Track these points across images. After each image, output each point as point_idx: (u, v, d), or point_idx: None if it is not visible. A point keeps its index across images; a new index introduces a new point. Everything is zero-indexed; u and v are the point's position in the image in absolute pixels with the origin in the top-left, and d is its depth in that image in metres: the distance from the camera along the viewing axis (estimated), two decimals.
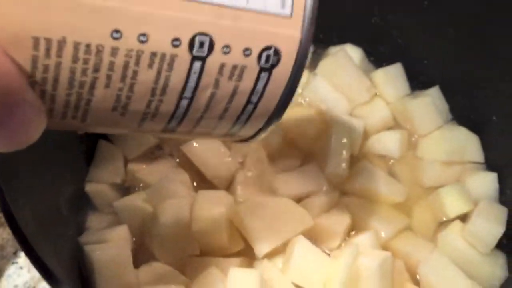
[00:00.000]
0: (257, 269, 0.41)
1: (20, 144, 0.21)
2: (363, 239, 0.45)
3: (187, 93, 0.23)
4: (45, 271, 0.30)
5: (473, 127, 0.52)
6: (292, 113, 0.52)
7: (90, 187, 0.48)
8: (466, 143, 0.51)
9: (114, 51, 0.20)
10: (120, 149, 0.50)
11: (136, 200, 0.46)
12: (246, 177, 0.48)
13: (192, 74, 0.22)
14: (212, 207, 0.44)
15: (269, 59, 0.23)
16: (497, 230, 0.45)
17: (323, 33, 0.56)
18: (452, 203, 0.47)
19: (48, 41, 0.19)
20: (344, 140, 0.49)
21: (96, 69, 0.21)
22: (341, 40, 0.57)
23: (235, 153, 0.49)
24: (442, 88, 0.54)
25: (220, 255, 0.44)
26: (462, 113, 0.53)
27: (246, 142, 0.29)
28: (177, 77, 0.22)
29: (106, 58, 0.21)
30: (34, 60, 0.19)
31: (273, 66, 0.24)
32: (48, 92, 0.21)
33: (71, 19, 0.19)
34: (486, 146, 0.51)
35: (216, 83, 0.23)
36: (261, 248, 0.43)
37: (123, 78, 0.21)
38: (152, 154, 0.51)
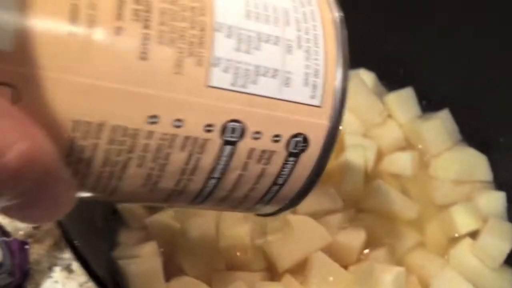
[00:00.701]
0: (280, 283, 0.44)
1: (50, 218, 0.21)
2: (378, 255, 0.48)
3: (216, 174, 0.23)
4: (101, 284, 0.32)
5: (482, 147, 0.54)
6: None
7: (121, 205, 0.51)
8: (475, 163, 0.53)
9: (150, 135, 0.21)
10: None
11: (165, 218, 0.49)
12: None
13: (222, 157, 0.23)
14: (237, 225, 0.47)
15: (298, 145, 0.24)
16: (505, 247, 0.47)
17: None
18: (463, 220, 0.50)
19: (88, 124, 0.20)
20: (359, 160, 0.52)
21: (131, 151, 0.21)
22: (355, 65, 0.60)
23: None
24: (451, 110, 0.56)
25: (244, 270, 0.47)
26: (471, 134, 0.56)
27: (266, 216, 0.29)
28: (207, 159, 0.23)
29: (141, 140, 0.21)
30: (72, 141, 0.20)
31: (301, 151, 0.24)
32: (81, 171, 0.21)
33: (112, 105, 0.20)
34: (494, 166, 0.53)
35: (245, 166, 0.24)
36: (282, 263, 0.46)
37: (155, 159, 0.22)
38: None
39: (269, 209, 0.27)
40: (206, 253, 0.47)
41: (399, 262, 0.48)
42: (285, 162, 0.24)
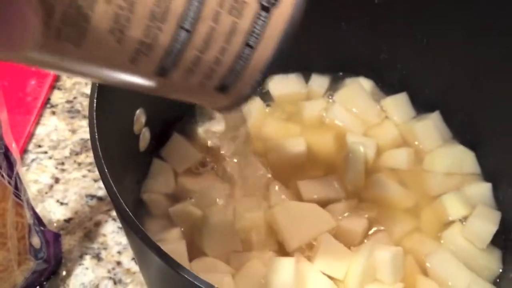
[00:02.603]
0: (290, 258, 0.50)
1: (10, 44, 0.19)
2: (378, 238, 0.53)
3: (187, 24, 0.22)
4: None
5: (470, 144, 0.60)
6: (315, 133, 0.61)
7: (146, 196, 0.57)
8: (464, 158, 0.59)
9: None
10: (171, 165, 0.60)
11: (187, 206, 0.55)
12: (278, 187, 0.57)
13: (193, 1, 0.22)
14: (251, 210, 0.53)
15: None
16: (491, 229, 0.53)
17: (342, 69, 0.66)
18: (453, 207, 0.55)
19: None
20: (360, 156, 0.58)
21: None
22: (355, 73, 0.66)
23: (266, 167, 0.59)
24: (442, 112, 0.62)
25: (258, 251, 0.52)
26: (459, 132, 0.62)
27: (229, 110, 0.28)
28: (178, 2, 0.22)
29: None
30: None
31: (273, 5, 0.23)
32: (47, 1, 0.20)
33: None
34: (482, 160, 0.59)
35: (216, 16, 0.23)
36: (292, 243, 0.52)
37: None
38: (197, 169, 0.60)
39: (239, 86, 0.26)
40: (225, 236, 0.52)
41: (397, 244, 0.53)
42: (257, 16, 0.23)
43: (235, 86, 0.26)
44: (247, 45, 0.24)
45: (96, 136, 0.40)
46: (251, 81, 0.26)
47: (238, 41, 0.24)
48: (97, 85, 0.44)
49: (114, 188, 0.37)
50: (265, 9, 0.23)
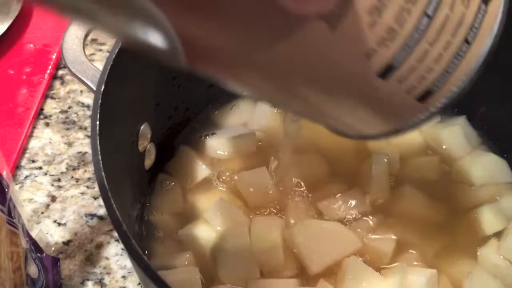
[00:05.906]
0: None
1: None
2: (409, 257, 0.49)
3: (430, 9, 0.22)
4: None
5: (500, 151, 0.56)
6: (334, 143, 0.56)
7: (152, 217, 0.52)
8: (496, 167, 0.55)
9: None
10: (178, 181, 0.55)
11: (199, 229, 0.50)
12: (296, 204, 0.52)
13: None
14: (269, 230, 0.48)
15: None
16: None
17: None
18: (488, 222, 0.51)
19: None
20: (384, 167, 0.54)
21: None
22: None
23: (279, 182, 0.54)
24: (468, 117, 0.58)
25: (277, 276, 0.48)
26: (489, 138, 0.57)
27: (403, 131, 0.28)
28: None
29: None
30: None
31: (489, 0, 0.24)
32: None
33: None
34: None
35: (452, 3, 0.23)
36: (314, 267, 0.47)
37: None
38: (207, 185, 0.55)
39: (449, 88, 0.25)
40: (242, 261, 0.48)
41: (429, 263, 0.49)
42: (479, 9, 0.23)
43: (439, 92, 0.25)
44: (466, 41, 0.23)
45: (101, 163, 0.35)
46: (454, 87, 0.25)
47: (461, 35, 0.23)
48: (99, 101, 0.39)
49: (119, 216, 0.32)
50: (485, 2, 0.23)
